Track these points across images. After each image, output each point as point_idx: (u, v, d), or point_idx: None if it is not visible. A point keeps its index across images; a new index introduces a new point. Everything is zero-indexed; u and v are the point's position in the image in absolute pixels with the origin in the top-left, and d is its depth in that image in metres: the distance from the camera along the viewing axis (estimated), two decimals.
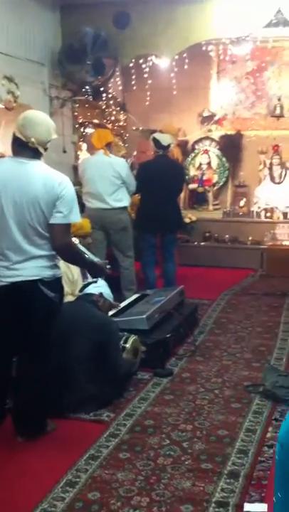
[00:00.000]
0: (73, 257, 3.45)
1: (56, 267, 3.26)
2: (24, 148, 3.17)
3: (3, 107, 5.91)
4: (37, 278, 3.15)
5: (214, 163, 8.89)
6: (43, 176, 3.14)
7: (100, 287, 4.09)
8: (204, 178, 8.81)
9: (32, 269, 3.15)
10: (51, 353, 3.30)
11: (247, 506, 2.68)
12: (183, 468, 3.00)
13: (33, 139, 3.13)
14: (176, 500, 2.72)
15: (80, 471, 2.97)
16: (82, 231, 4.62)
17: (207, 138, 8.97)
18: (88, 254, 3.79)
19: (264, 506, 2.67)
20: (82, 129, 7.82)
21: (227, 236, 8.27)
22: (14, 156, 3.23)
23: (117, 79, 8.37)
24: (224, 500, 2.72)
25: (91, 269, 3.80)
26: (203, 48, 8.00)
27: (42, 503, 2.70)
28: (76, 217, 3.22)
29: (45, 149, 3.22)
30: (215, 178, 8.86)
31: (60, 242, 3.17)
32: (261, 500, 2.72)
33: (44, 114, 3.36)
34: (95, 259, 3.78)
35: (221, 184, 8.89)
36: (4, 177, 3.14)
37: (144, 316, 4.42)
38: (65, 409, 3.53)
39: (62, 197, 3.12)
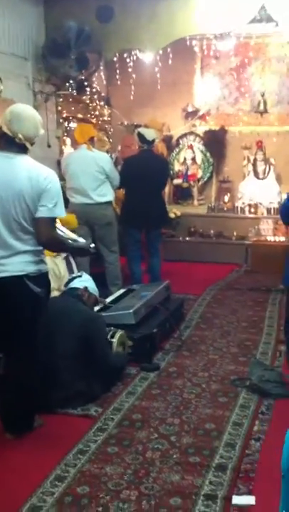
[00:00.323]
0: (59, 247, 3.52)
1: (42, 262, 3.24)
2: (11, 143, 3.14)
3: None
4: (23, 273, 3.12)
5: (199, 158, 8.91)
6: (28, 170, 3.12)
7: (84, 281, 4.08)
8: (189, 173, 8.83)
9: (17, 265, 3.12)
10: (36, 349, 3.28)
11: (235, 499, 2.70)
12: (171, 461, 3.01)
13: (20, 135, 3.11)
14: (165, 493, 2.73)
15: (68, 465, 2.97)
16: (68, 226, 4.60)
17: (191, 133, 8.99)
18: (71, 237, 3.77)
19: (252, 499, 2.69)
20: (66, 124, 7.78)
21: (212, 231, 8.29)
22: (0, 150, 3.20)
23: (101, 73, 8.35)
24: (212, 493, 2.73)
25: (76, 253, 3.82)
26: (187, 43, 8.01)
27: (31, 498, 2.69)
28: (61, 212, 3.20)
29: (33, 143, 3.20)
30: (199, 174, 8.88)
31: (45, 236, 3.15)
32: (249, 493, 2.75)
33: (31, 108, 3.32)
34: (79, 239, 3.76)
35: (205, 179, 8.92)
36: None
37: (131, 311, 4.42)
38: (52, 405, 3.52)
39: (47, 191, 3.10)
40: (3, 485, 2.84)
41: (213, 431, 3.33)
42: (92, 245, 3.71)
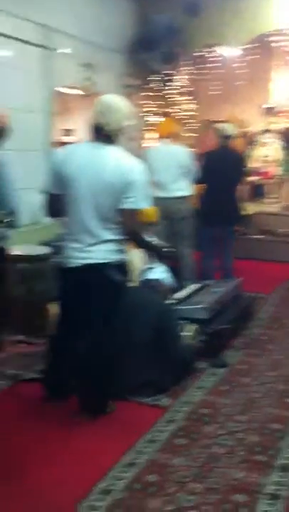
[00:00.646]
0: (139, 241, 3.57)
1: (123, 251, 3.37)
2: (100, 133, 3.25)
3: (81, 93, 6.01)
4: (106, 261, 3.26)
5: (275, 155, 8.81)
6: (116, 162, 3.22)
7: (159, 273, 4.16)
8: (264, 170, 8.75)
9: (102, 253, 3.26)
10: (113, 336, 3.39)
11: None
12: (237, 458, 3.05)
13: (108, 125, 3.21)
14: (229, 489, 2.77)
15: (138, 453, 3.06)
16: (148, 219, 4.66)
17: (268, 130, 8.89)
18: (151, 238, 3.85)
19: None
20: (149, 118, 7.87)
21: (284, 230, 8.20)
22: (91, 141, 3.31)
23: (186, 68, 8.37)
24: (275, 492, 2.75)
25: (153, 253, 3.92)
26: (268, 39, 7.96)
27: (102, 480, 2.79)
28: (145, 204, 3.30)
29: (121, 135, 3.29)
30: (275, 171, 8.78)
31: (129, 227, 3.27)
32: None
33: (121, 99, 3.38)
34: (157, 242, 3.85)
35: (280, 177, 8.81)
36: (80, 162, 3.24)
37: (204, 306, 4.48)
38: (124, 392, 3.62)
39: (133, 183, 3.19)
40: (76, 465, 2.96)
41: (279, 431, 3.35)
42: (168, 249, 3.79)
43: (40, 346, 4.04)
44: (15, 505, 2.64)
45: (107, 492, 2.71)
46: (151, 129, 7.66)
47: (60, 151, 3.48)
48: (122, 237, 3.32)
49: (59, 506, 2.62)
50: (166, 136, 5.91)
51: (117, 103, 3.30)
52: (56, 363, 3.52)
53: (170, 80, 7.78)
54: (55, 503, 2.64)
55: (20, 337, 4.50)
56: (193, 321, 4.28)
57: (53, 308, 3.90)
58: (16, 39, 5.68)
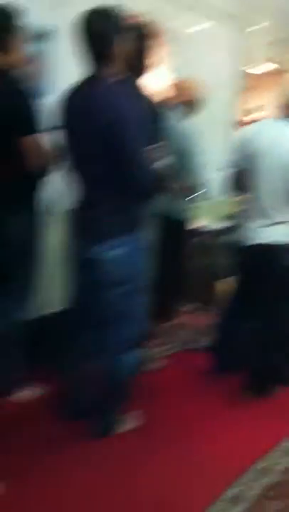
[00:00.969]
0: None
1: None
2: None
3: (269, 70, 5.92)
4: (280, 243, 3.19)
5: None
6: None
7: None
8: None
9: (277, 234, 3.19)
10: (283, 319, 3.33)
11: None
12: None
13: None
14: None
15: None
16: None
17: None
18: None
19: None
20: None
21: None
22: (279, 119, 3.25)
23: None
24: None
25: None
26: None
27: (259, 462, 2.80)
28: None
29: None
30: None
31: None
32: None
33: None
34: None
35: None
36: (265, 141, 3.18)
37: None
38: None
39: None
40: (233, 442, 2.97)
41: None
42: None
43: (211, 318, 4.06)
44: (172, 471, 2.72)
45: (264, 472, 2.72)
46: None
47: (247, 128, 3.45)
48: None
49: (214, 478, 2.65)
50: None
51: None
52: (225, 338, 3.53)
53: None
54: (211, 475, 2.68)
55: (193, 307, 4.59)
56: None
57: (225, 284, 3.92)
58: (207, 14, 5.67)
